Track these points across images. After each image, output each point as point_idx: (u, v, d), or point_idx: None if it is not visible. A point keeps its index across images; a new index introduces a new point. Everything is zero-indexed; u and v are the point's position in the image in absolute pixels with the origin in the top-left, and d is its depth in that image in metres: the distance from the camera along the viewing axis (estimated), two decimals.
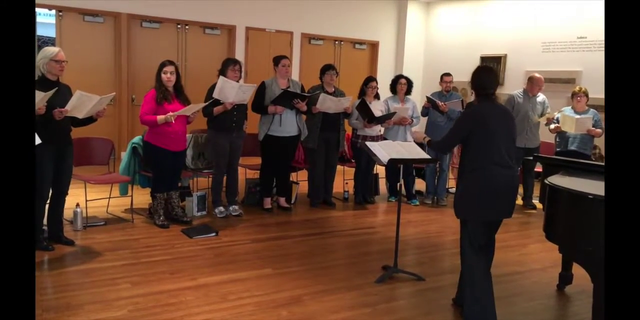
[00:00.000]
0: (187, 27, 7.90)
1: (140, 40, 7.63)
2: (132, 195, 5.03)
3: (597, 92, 6.92)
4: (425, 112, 6.08)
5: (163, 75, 4.49)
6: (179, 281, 3.51)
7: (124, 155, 5.16)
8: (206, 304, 3.19)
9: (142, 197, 5.28)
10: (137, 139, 5.12)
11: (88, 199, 4.68)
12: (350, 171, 6.21)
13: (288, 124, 5.21)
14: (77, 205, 4.51)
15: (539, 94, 6.05)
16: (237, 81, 4.86)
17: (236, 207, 5.21)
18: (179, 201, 4.91)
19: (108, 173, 5.06)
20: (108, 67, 7.44)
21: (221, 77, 4.73)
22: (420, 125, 6.27)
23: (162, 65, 4.52)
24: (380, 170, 6.51)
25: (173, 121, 4.38)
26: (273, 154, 5.29)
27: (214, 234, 4.54)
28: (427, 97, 5.88)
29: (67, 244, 4.09)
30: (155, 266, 3.76)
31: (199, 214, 5.13)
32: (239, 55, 8.10)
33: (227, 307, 3.15)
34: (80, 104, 3.75)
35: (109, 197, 5.10)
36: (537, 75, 6.11)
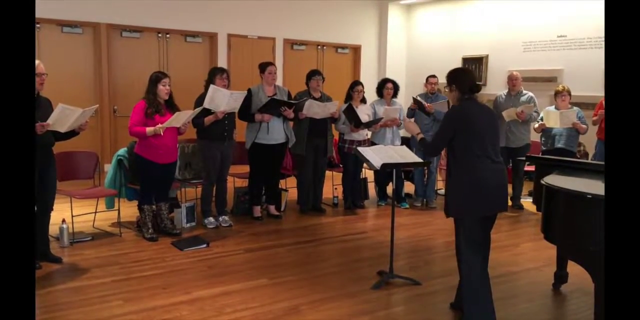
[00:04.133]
0: (168, 35, 7.83)
1: (121, 50, 7.53)
2: (119, 209, 4.93)
3: (578, 89, 7.01)
4: (411, 113, 6.07)
5: (162, 88, 4.43)
6: (172, 296, 3.43)
7: (109, 168, 5.07)
8: (202, 318, 3.12)
9: (129, 210, 5.19)
10: (122, 151, 5.03)
11: (74, 214, 4.57)
12: (338, 176, 6.18)
13: (275, 131, 5.16)
14: (63, 221, 4.41)
15: (525, 92, 6.08)
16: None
17: (226, 217, 5.14)
18: (167, 213, 4.82)
19: (93, 187, 4.95)
20: (88, 78, 7.33)
21: (212, 86, 4.67)
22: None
23: (158, 77, 4.45)
24: (368, 174, 6.49)
25: (162, 133, 4.31)
26: (261, 162, 5.23)
27: (205, 246, 4.47)
28: (414, 98, 5.88)
29: (54, 261, 3.98)
30: (146, 281, 3.68)
31: (189, 225, 5.05)
32: (222, 62, 8.05)
33: None
34: (62, 118, 3.66)
35: (95, 212, 5.00)
36: (513, 72, 6.16)
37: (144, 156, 4.47)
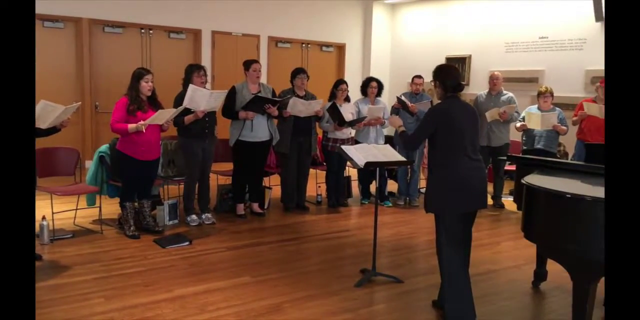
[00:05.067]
0: (151, 31, 7.76)
1: (103, 45, 7.45)
2: (100, 206, 4.88)
3: (559, 90, 7.11)
4: (394, 112, 6.09)
5: (144, 84, 4.39)
6: (154, 293, 3.41)
7: (91, 165, 5.02)
8: (184, 316, 3.11)
9: (110, 207, 5.14)
10: (103, 147, 4.98)
11: (54, 211, 4.51)
12: (322, 174, 6.19)
13: (259, 129, 5.15)
14: (43, 218, 4.35)
15: (505, 92, 6.16)
16: (204, 86, 4.78)
17: (209, 215, 5.12)
18: (150, 210, 4.79)
19: (74, 183, 4.90)
20: (69, 74, 7.23)
21: (191, 86, 4.64)
22: (391, 127, 6.30)
23: (141, 74, 4.41)
24: (352, 172, 6.51)
25: (144, 130, 4.28)
26: (245, 160, 5.22)
27: (187, 243, 4.44)
28: (398, 98, 5.91)
29: (34, 258, 3.94)
30: (128, 279, 3.65)
31: (171, 222, 5.02)
32: (205, 59, 8.01)
33: (205, 319, 3.08)
34: (44, 114, 3.62)
35: (76, 209, 4.94)
36: (494, 72, 6.23)
37: (126, 153, 4.43)
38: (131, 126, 4.29)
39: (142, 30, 7.71)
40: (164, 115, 4.36)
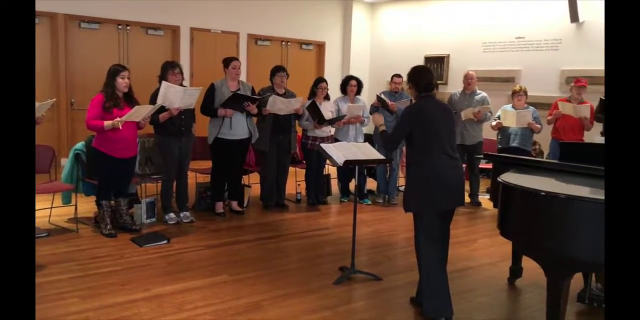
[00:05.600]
0: (128, 27, 7.66)
1: (79, 41, 7.33)
2: (76, 204, 4.80)
3: (534, 90, 7.23)
4: (374, 111, 6.11)
5: (120, 80, 4.34)
6: (131, 292, 3.38)
7: (66, 162, 4.94)
8: (161, 315, 3.08)
9: (86, 205, 5.07)
10: (79, 145, 4.90)
11: None
12: (301, 172, 6.19)
13: (238, 126, 5.12)
14: None
15: (479, 91, 6.24)
16: (180, 84, 4.74)
17: (187, 213, 5.09)
18: (127, 209, 4.73)
19: (49, 181, 4.81)
20: (45, 70, 7.09)
21: (164, 83, 4.58)
22: (370, 125, 6.33)
23: (117, 70, 4.35)
24: (332, 170, 6.53)
25: (120, 127, 4.23)
26: (224, 158, 5.19)
27: (165, 242, 4.41)
28: (378, 96, 5.94)
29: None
30: (104, 278, 3.61)
31: (149, 221, 4.96)
32: (184, 56, 7.93)
33: (183, 318, 3.06)
34: None
35: (51, 207, 4.86)
36: (469, 72, 6.32)
37: (102, 150, 4.37)
38: (107, 123, 4.23)
39: (119, 27, 7.60)
40: (141, 112, 4.31)
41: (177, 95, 4.57)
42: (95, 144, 4.43)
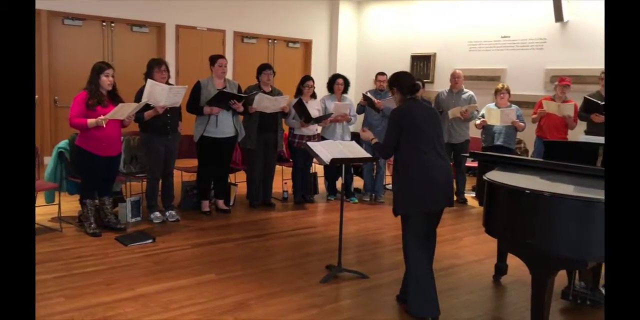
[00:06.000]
0: (112, 24, 7.58)
1: (62, 38, 7.23)
2: (59, 203, 4.74)
3: (520, 88, 7.30)
4: (361, 109, 6.14)
5: (104, 78, 4.29)
6: (115, 292, 3.34)
7: (49, 161, 4.87)
8: (146, 314, 3.06)
9: (70, 204, 5.01)
10: (63, 143, 4.84)
11: None
12: (288, 171, 6.18)
13: (224, 124, 5.10)
14: None
15: (466, 90, 6.27)
16: (166, 82, 4.71)
17: (173, 212, 5.05)
18: (111, 208, 4.69)
19: None
20: None
21: (149, 80, 4.54)
22: (357, 123, 6.34)
23: (101, 68, 4.31)
24: (318, 169, 6.52)
25: (104, 125, 4.18)
26: (210, 156, 5.16)
27: (150, 241, 4.37)
28: (364, 95, 5.95)
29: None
30: (89, 277, 3.57)
31: (134, 220, 4.92)
32: (169, 54, 7.87)
33: (169, 317, 3.04)
34: None
35: (35, 206, 4.79)
36: (456, 70, 6.35)
37: (86, 149, 4.32)
38: (91, 121, 4.18)
39: (104, 23, 7.52)
40: (125, 110, 4.27)
41: (162, 94, 4.53)
42: (79, 142, 4.38)
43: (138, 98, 4.58)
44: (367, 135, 3.64)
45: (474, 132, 6.38)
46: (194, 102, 5.01)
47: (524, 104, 6.94)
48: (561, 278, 3.26)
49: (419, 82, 3.35)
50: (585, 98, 5.71)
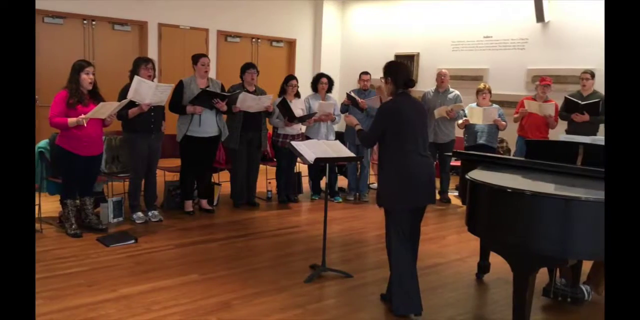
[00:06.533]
0: (94, 22, 7.48)
1: (43, 37, 7.11)
2: (39, 204, 4.67)
3: (502, 88, 7.36)
4: (344, 109, 6.14)
5: (85, 76, 4.24)
6: (97, 293, 3.31)
7: None
8: (129, 315, 3.03)
9: (51, 205, 4.94)
10: (43, 143, 4.77)
11: None
12: (272, 170, 6.17)
13: (208, 124, 5.07)
14: None
15: (452, 90, 6.32)
16: (151, 80, 4.67)
17: (156, 212, 5.01)
18: (92, 208, 4.63)
19: None
20: None
21: (136, 77, 4.50)
22: (341, 123, 6.34)
23: (81, 66, 4.26)
24: (302, 168, 6.52)
25: (85, 124, 4.13)
26: (193, 155, 5.13)
27: (132, 241, 4.33)
28: (347, 94, 5.95)
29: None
30: (70, 279, 3.52)
31: (115, 220, 4.87)
32: (152, 53, 7.79)
33: (151, 318, 3.01)
34: None
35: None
36: (442, 70, 6.40)
37: (66, 148, 4.27)
38: (71, 120, 4.13)
39: (85, 22, 7.42)
40: (106, 109, 4.22)
41: (148, 91, 4.50)
42: (59, 142, 4.32)
43: (122, 96, 4.54)
44: (351, 120, 3.63)
45: (460, 132, 6.42)
46: (177, 101, 4.98)
47: (506, 103, 7.00)
48: (542, 276, 3.30)
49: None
50: (565, 98, 5.78)
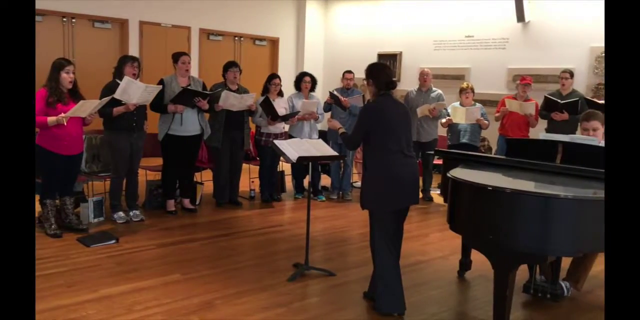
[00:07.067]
0: (73, 20, 7.38)
1: None
2: None
3: (483, 87, 7.43)
4: (327, 107, 6.15)
5: (65, 75, 4.19)
6: (78, 294, 3.27)
7: None
8: (110, 316, 3.00)
9: None
10: None
11: None
12: (255, 169, 6.15)
13: (189, 122, 5.04)
14: None
15: (435, 89, 6.36)
16: (135, 79, 4.63)
17: (137, 212, 4.96)
18: (72, 208, 4.58)
19: None
20: None
21: (126, 77, 4.48)
22: (324, 121, 6.35)
23: (61, 64, 4.20)
24: (286, 167, 6.51)
25: (65, 123, 4.08)
26: (175, 154, 5.09)
27: (113, 241, 4.29)
28: (330, 93, 5.96)
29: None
30: (50, 279, 3.48)
31: (96, 220, 4.82)
32: (133, 51, 7.71)
33: (133, 319, 2.99)
34: None
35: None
36: (424, 69, 6.44)
37: (46, 147, 4.21)
38: (51, 119, 4.07)
39: (64, 19, 7.31)
40: (87, 107, 4.16)
41: (137, 91, 4.47)
42: (39, 141, 4.25)
43: (105, 94, 4.49)
44: (334, 124, 3.63)
45: (443, 131, 6.46)
46: (158, 100, 4.93)
47: (487, 102, 7.07)
48: (522, 272, 3.35)
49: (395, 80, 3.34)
50: (545, 97, 5.86)
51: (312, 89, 6.07)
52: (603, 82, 6.62)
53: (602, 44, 6.58)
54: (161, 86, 4.80)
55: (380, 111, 3.15)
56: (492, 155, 5.22)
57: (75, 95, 4.30)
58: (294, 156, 3.68)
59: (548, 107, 5.80)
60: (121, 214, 4.87)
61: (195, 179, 5.62)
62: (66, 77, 4.20)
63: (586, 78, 6.79)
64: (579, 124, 3.75)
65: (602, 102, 5.52)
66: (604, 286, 1.83)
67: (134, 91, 4.47)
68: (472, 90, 6.02)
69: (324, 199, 6.22)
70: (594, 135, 3.49)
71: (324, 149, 3.92)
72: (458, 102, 6.09)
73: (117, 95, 4.41)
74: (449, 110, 6.06)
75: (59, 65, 4.20)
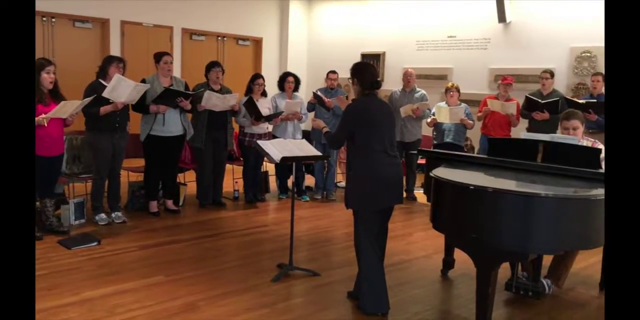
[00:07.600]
0: (53, 20, 7.28)
1: None
2: None
3: (465, 87, 7.47)
4: (311, 108, 6.15)
5: (45, 75, 4.13)
6: (59, 297, 3.23)
7: None
8: (92, 319, 2.96)
9: None
10: None
11: None
12: (239, 170, 6.13)
13: (172, 123, 5.00)
14: None
15: (418, 89, 6.39)
16: None
17: (119, 213, 4.91)
18: (53, 210, 4.51)
19: None
20: None
21: (116, 75, 4.43)
22: (308, 122, 6.35)
23: (42, 65, 4.14)
24: (270, 167, 6.50)
25: (45, 124, 4.02)
26: (157, 155, 5.05)
27: (95, 243, 4.24)
28: (314, 93, 5.96)
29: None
30: None
31: (77, 222, 4.76)
32: (114, 51, 7.63)
33: None
34: None
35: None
36: (408, 69, 6.48)
37: None
38: None
39: (44, 18, 7.21)
40: (68, 108, 4.11)
41: (126, 90, 4.42)
42: None
43: (88, 93, 4.44)
44: (318, 123, 3.62)
45: (427, 131, 6.50)
46: (140, 100, 4.88)
47: (469, 102, 7.11)
48: (504, 271, 3.38)
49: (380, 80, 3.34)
50: (526, 97, 5.92)
51: (296, 89, 6.07)
52: (583, 82, 6.72)
53: (582, 44, 6.70)
54: (149, 85, 4.75)
55: (365, 111, 3.15)
56: (475, 155, 5.27)
57: (56, 95, 4.25)
58: (277, 156, 3.67)
59: (529, 106, 5.87)
60: (103, 215, 4.82)
61: (178, 180, 5.58)
62: (47, 77, 4.14)
63: (566, 78, 6.88)
64: (559, 123, 3.80)
65: (582, 101, 5.61)
66: (604, 286, 1.82)
67: (124, 89, 4.42)
68: (458, 89, 6.06)
69: (308, 199, 6.22)
70: (574, 134, 3.53)
71: (308, 149, 3.91)
72: (444, 102, 6.13)
73: (106, 93, 4.36)
74: (434, 110, 6.10)
75: (40, 65, 4.14)
